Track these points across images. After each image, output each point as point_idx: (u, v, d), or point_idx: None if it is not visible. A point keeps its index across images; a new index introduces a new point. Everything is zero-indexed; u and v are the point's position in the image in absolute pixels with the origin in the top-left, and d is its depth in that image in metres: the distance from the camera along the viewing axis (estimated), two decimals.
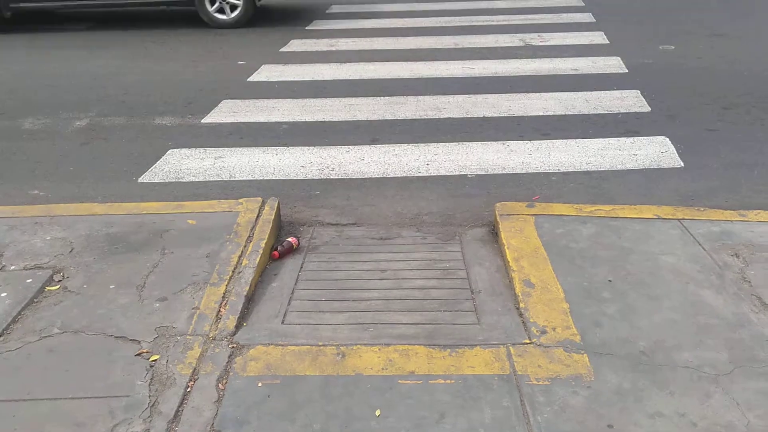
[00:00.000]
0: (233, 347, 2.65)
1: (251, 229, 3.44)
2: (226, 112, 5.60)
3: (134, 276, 3.08)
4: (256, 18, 9.11)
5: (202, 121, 5.43)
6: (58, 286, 3.02)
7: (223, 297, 2.92)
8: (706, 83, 6.05)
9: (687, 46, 7.34)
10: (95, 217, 3.61)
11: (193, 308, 2.85)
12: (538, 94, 5.85)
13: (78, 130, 5.30)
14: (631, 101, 5.61)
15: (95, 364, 2.54)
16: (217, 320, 2.79)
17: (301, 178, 4.38)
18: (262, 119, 5.42)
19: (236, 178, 4.37)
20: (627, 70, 6.50)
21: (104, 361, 2.55)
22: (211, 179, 4.37)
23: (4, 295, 2.95)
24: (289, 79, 6.55)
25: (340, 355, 2.59)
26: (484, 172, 4.38)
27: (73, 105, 5.90)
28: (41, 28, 9.30)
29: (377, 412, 2.30)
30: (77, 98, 6.10)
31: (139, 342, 2.65)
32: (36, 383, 2.44)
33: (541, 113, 5.38)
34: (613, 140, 4.80)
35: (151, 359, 2.56)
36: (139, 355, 2.59)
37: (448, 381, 2.44)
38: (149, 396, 2.38)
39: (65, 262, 3.20)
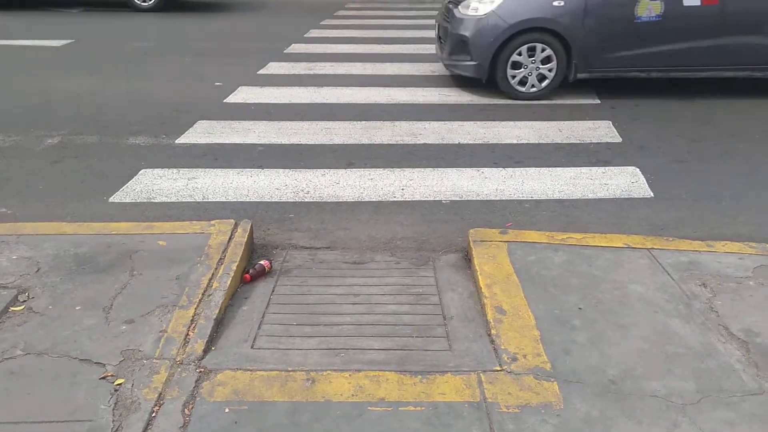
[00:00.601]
0: (201, 372, 2.61)
1: (223, 252, 3.41)
2: (201, 133, 5.57)
3: (101, 297, 3.02)
4: (238, 39, 9.10)
5: (176, 141, 5.39)
6: (22, 307, 2.96)
7: (191, 320, 2.88)
8: (677, 116, 6.17)
9: (658, 79, 7.49)
10: (63, 236, 3.55)
11: (160, 331, 2.80)
12: (512, 122, 5.91)
13: (49, 148, 5.24)
14: (603, 131, 5.70)
15: (58, 387, 2.48)
16: (185, 344, 2.74)
17: (276, 200, 4.36)
18: (237, 141, 5.40)
19: (209, 200, 4.34)
20: (599, 101, 6.61)
21: (67, 385, 2.49)
22: (183, 200, 4.33)
23: None
24: (266, 102, 6.55)
25: (310, 381, 2.56)
26: (458, 198, 4.40)
27: (45, 123, 5.83)
28: (15, 43, 9.22)
29: None
30: (50, 116, 6.03)
31: (104, 365, 2.60)
32: None
33: (515, 141, 5.44)
34: (585, 169, 4.87)
35: (115, 383, 2.51)
36: (103, 378, 2.53)
37: (419, 408, 2.43)
38: (113, 421, 2.32)
39: (31, 282, 3.14)
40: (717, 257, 3.45)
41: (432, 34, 10.33)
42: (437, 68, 7.97)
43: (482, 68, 6.53)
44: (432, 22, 11.43)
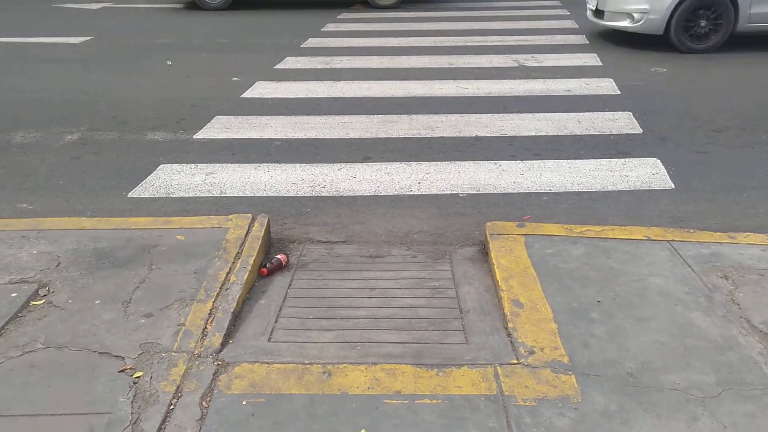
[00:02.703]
0: (218, 364, 2.62)
1: (240, 246, 3.43)
2: (219, 128, 5.60)
3: (120, 291, 3.05)
4: (255, 34, 9.11)
5: (194, 136, 5.42)
6: (43, 301, 2.99)
7: (209, 314, 2.90)
8: (698, 106, 6.08)
9: (678, 69, 7.40)
10: (83, 231, 3.58)
11: (179, 325, 2.82)
12: (530, 114, 5.87)
13: (69, 144, 5.29)
14: (622, 123, 5.63)
15: (78, 380, 2.51)
16: (202, 337, 2.76)
17: (293, 195, 4.37)
18: (254, 136, 5.42)
19: (227, 195, 4.36)
20: (619, 92, 6.54)
21: (87, 378, 2.52)
22: (201, 195, 4.35)
23: None
24: (283, 96, 6.56)
25: (326, 374, 2.57)
26: (475, 192, 4.38)
27: (64, 119, 5.89)
28: (36, 40, 9.32)
29: None
30: (69, 112, 6.09)
31: (123, 358, 2.62)
32: (16, 399, 2.41)
33: (533, 133, 5.40)
34: (604, 161, 4.81)
35: (134, 376, 2.53)
36: (122, 371, 2.56)
37: (435, 401, 2.42)
38: (131, 413, 2.34)
39: (51, 276, 3.17)
40: (739, 249, 3.40)
41: (446, 26, 10.30)
42: (454, 60, 7.94)
43: None
44: (446, 14, 11.39)
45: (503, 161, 4.84)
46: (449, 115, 5.88)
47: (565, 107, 6.06)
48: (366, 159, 4.93)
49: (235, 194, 4.37)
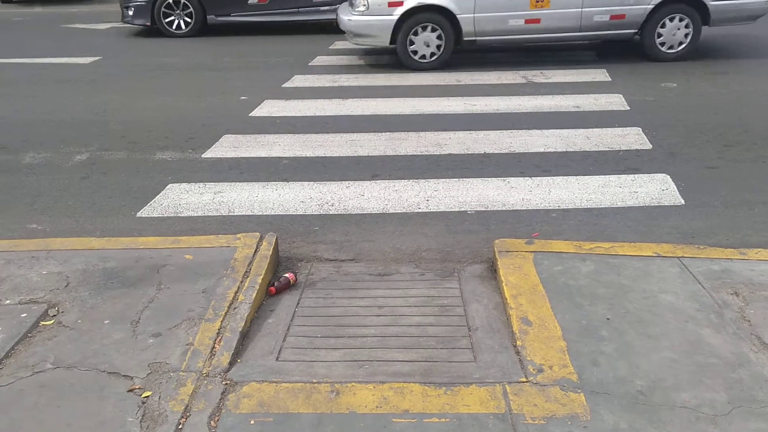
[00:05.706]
0: (226, 384, 2.62)
1: (248, 265, 3.43)
2: (227, 147, 5.63)
3: (129, 311, 3.06)
4: (263, 53, 9.17)
5: (203, 155, 5.46)
6: (52, 321, 3.01)
7: (218, 333, 2.90)
8: (708, 121, 6.07)
9: (688, 84, 7.39)
10: (92, 251, 3.61)
11: (187, 344, 2.83)
12: (539, 130, 5.87)
13: (78, 165, 5.34)
14: (632, 138, 5.62)
15: (87, 400, 2.52)
16: (211, 356, 2.76)
17: (301, 213, 4.38)
18: (262, 154, 5.45)
19: (235, 213, 4.38)
20: (629, 108, 6.53)
21: (96, 398, 2.53)
22: (209, 214, 4.37)
23: None
24: (291, 115, 6.60)
25: (335, 393, 2.56)
26: (484, 209, 4.38)
27: (74, 139, 5.95)
28: (45, 61, 9.44)
29: None
30: (79, 132, 6.15)
31: (132, 378, 2.63)
32: (26, 419, 2.42)
33: (542, 150, 5.39)
34: (613, 177, 4.80)
35: (143, 395, 2.54)
36: (131, 391, 2.56)
37: (443, 420, 2.41)
38: None
39: (60, 296, 3.19)
40: (750, 265, 3.37)
41: None
42: (462, 77, 7.96)
43: None
44: None
45: (512, 178, 4.84)
46: (457, 132, 5.89)
47: (573, 123, 6.06)
48: (374, 176, 4.94)
49: (243, 213, 4.38)
